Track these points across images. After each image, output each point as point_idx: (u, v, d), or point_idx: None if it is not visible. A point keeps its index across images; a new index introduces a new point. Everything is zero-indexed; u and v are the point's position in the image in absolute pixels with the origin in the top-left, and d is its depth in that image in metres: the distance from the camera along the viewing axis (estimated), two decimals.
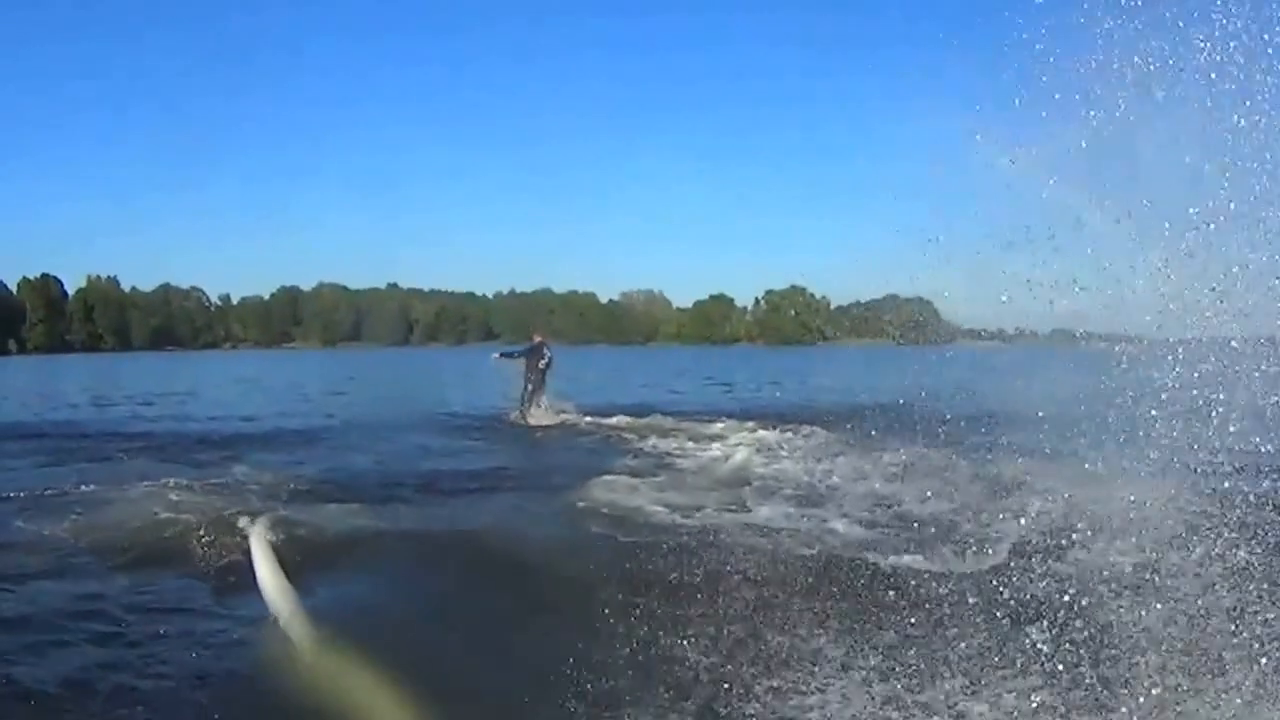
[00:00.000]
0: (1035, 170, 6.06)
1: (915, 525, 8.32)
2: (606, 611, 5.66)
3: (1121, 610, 4.74)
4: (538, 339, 19.60)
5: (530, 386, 19.04)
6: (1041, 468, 11.39)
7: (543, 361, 19.17)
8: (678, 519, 8.67)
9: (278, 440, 15.47)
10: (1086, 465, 5.79)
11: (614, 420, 18.52)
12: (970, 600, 5.53)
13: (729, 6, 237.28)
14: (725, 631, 5.50)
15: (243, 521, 7.73)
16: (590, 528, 8.25)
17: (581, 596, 6.08)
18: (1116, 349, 5.53)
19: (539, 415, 18.87)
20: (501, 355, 20.61)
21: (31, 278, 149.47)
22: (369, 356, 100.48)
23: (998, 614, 5.24)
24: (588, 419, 18.80)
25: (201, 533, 7.60)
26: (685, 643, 5.33)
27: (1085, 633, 4.70)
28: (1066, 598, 4.94)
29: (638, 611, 5.73)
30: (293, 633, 5.55)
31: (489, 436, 16.55)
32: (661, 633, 5.45)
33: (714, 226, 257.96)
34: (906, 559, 6.82)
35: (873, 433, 15.11)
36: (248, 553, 6.67)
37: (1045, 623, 4.90)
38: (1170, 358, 4.82)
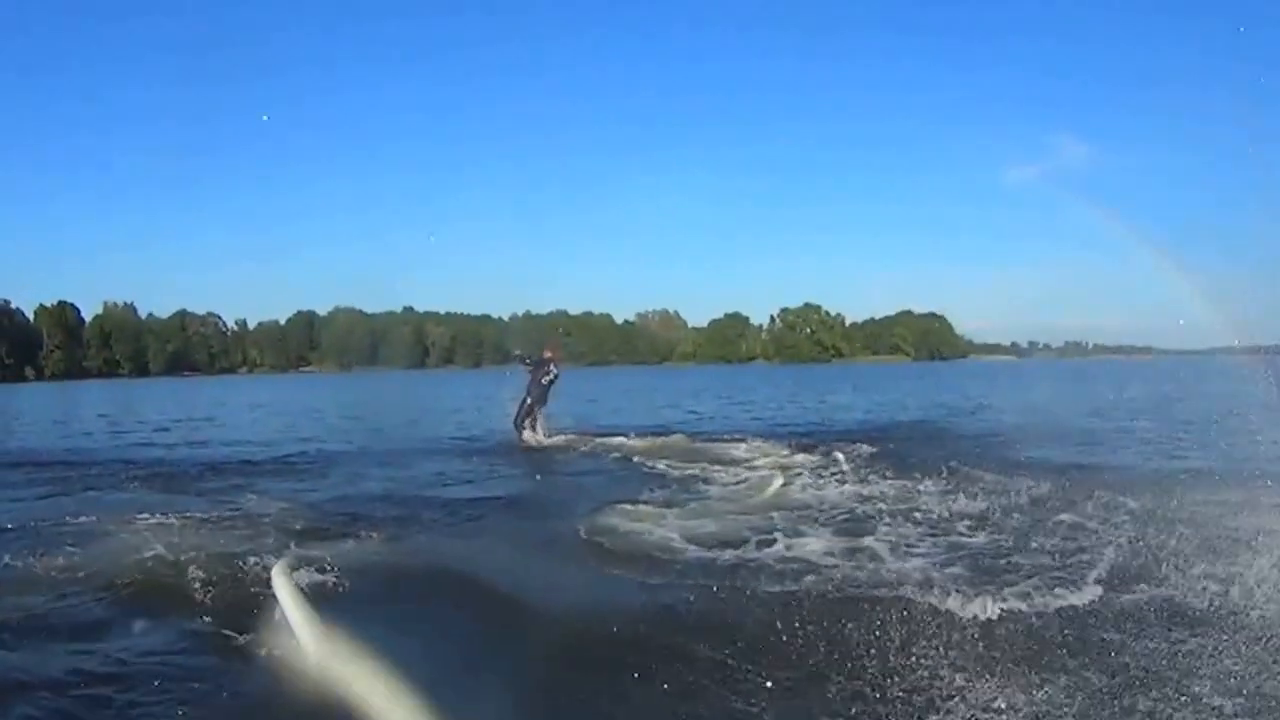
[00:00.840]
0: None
1: (978, 557, 7.73)
2: (641, 673, 5.18)
3: None
4: (548, 354, 19.01)
5: (530, 400, 18.63)
6: (1092, 484, 10.98)
7: (547, 377, 18.69)
8: (712, 555, 8.05)
9: (291, 467, 14.94)
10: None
11: (634, 442, 17.86)
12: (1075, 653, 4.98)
13: (737, 22, 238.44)
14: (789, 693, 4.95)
15: (251, 560, 7.21)
16: (614, 570, 7.68)
17: (612, 653, 5.57)
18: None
19: (531, 436, 18.49)
20: (518, 358, 20.15)
21: (48, 305, 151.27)
22: (385, 379, 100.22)
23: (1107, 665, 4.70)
24: (604, 439, 18.19)
25: (202, 573, 6.99)
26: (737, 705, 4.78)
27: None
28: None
29: (676, 673, 5.20)
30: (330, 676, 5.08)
31: (505, 460, 15.97)
32: (707, 700, 4.93)
33: (728, 245, 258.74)
34: (978, 601, 6.18)
35: (908, 455, 14.79)
36: (261, 594, 6.23)
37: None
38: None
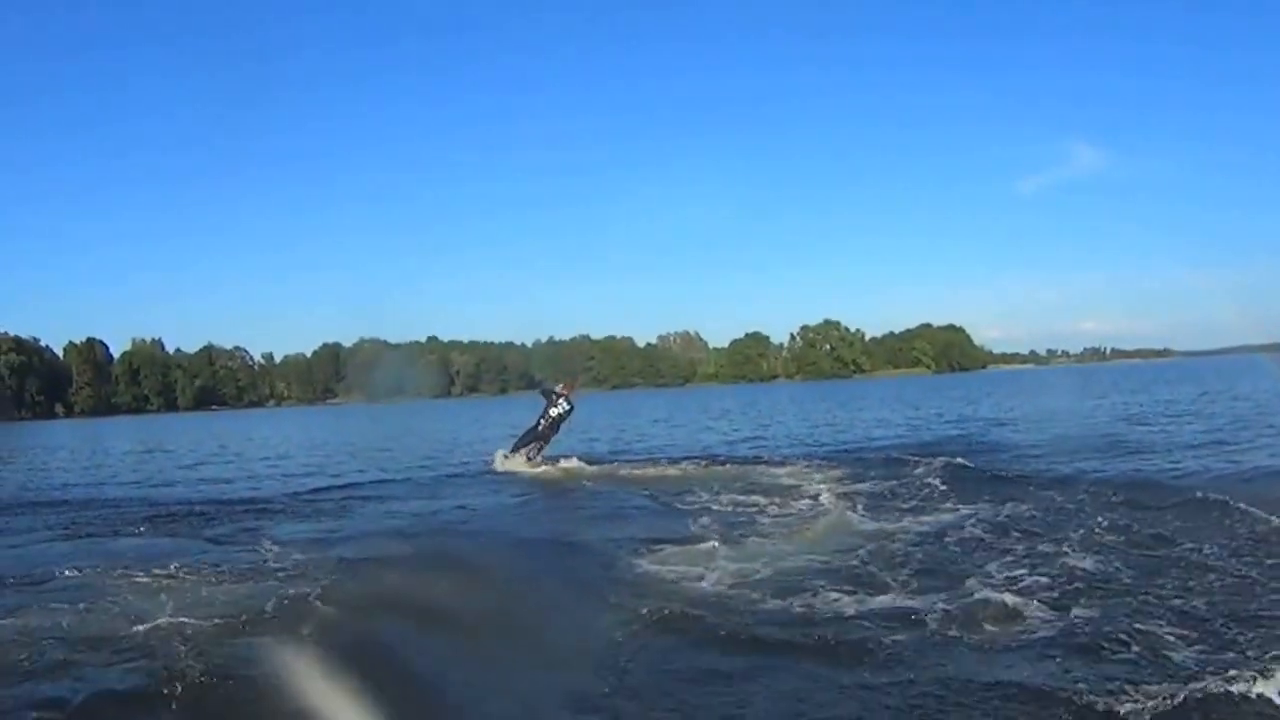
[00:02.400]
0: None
1: (1100, 599, 6.74)
2: None
3: None
4: (560, 388, 18.38)
5: (542, 426, 18.01)
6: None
7: (556, 409, 18.00)
8: (785, 606, 7.04)
9: (312, 506, 14.04)
10: None
11: (671, 470, 16.94)
12: None
13: (743, 30, 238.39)
14: None
15: (264, 646, 6.09)
16: (667, 637, 6.62)
17: None
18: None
19: (506, 461, 18.00)
20: (539, 385, 19.80)
21: (77, 342, 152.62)
22: (411, 410, 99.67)
23: None
24: (639, 470, 17.18)
25: (197, 641, 6.06)
26: None
27: None
28: None
29: None
30: None
31: (534, 491, 15.06)
32: None
33: (747, 264, 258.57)
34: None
35: (970, 474, 13.76)
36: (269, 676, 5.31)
37: None
38: None
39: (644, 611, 7.07)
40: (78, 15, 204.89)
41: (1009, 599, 6.84)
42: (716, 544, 9.44)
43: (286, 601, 6.95)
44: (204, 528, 12.05)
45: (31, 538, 11.52)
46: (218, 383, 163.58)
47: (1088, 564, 7.92)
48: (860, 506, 11.36)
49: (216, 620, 6.47)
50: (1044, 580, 7.48)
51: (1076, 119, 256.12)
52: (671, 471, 16.73)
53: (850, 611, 6.85)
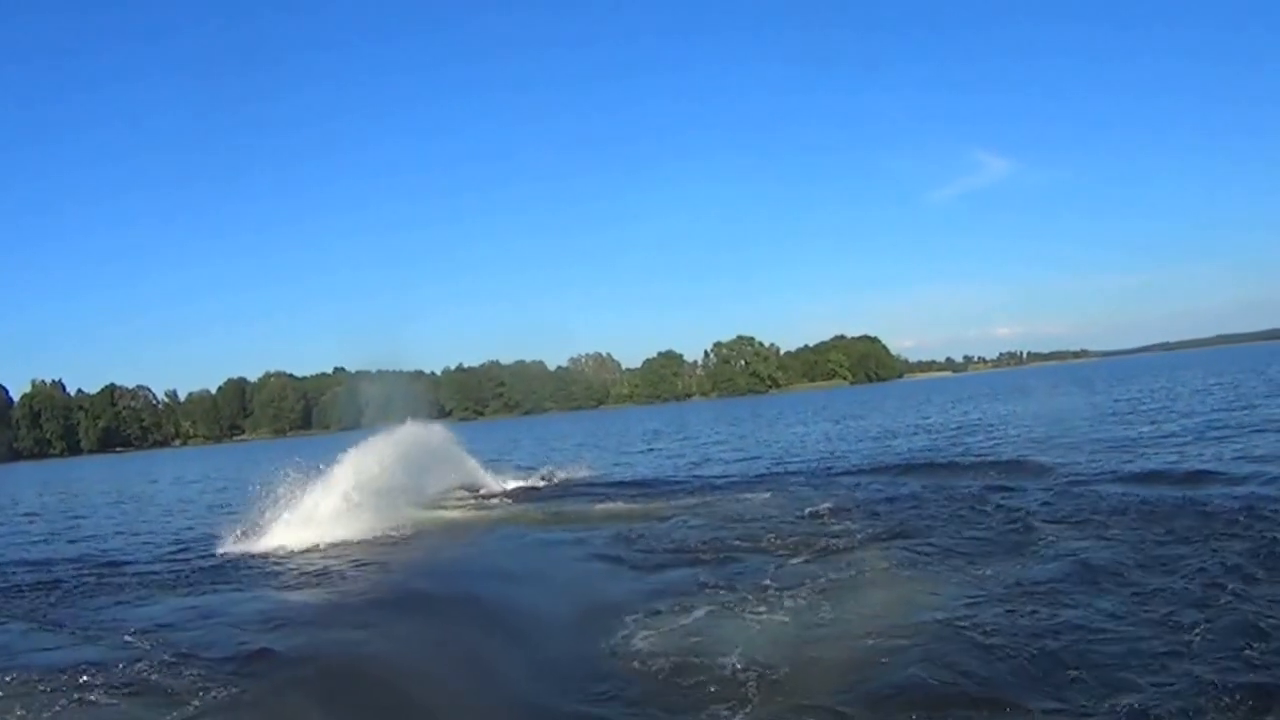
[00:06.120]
0: None
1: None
2: None
3: None
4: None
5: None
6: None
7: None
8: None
9: (226, 568, 11.90)
10: None
11: (624, 505, 14.86)
12: None
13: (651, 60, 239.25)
14: None
15: None
16: None
17: None
18: None
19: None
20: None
21: None
22: (320, 443, 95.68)
23: None
24: (586, 507, 15.23)
25: None
26: None
27: None
28: None
29: None
30: None
31: (468, 541, 13.19)
32: None
33: (658, 284, 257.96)
34: None
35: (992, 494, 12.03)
36: None
37: None
38: None
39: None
40: None
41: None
42: (722, 609, 7.57)
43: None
44: (87, 602, 9.96)
45: None
46: (121, 423, 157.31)
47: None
48: (893, 551, 9.41)
49: None
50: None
51: (984, 130, 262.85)
52: (627, 507, 14.76)
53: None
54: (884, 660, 5.85)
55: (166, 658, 7.08)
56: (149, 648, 7.49)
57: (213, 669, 6.74)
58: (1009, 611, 6.69)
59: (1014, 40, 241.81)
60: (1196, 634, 5.86)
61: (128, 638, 7.92)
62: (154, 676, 6.64)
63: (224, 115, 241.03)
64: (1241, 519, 9.12)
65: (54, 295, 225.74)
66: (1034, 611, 6.64)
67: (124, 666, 6.90)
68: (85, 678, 6.65)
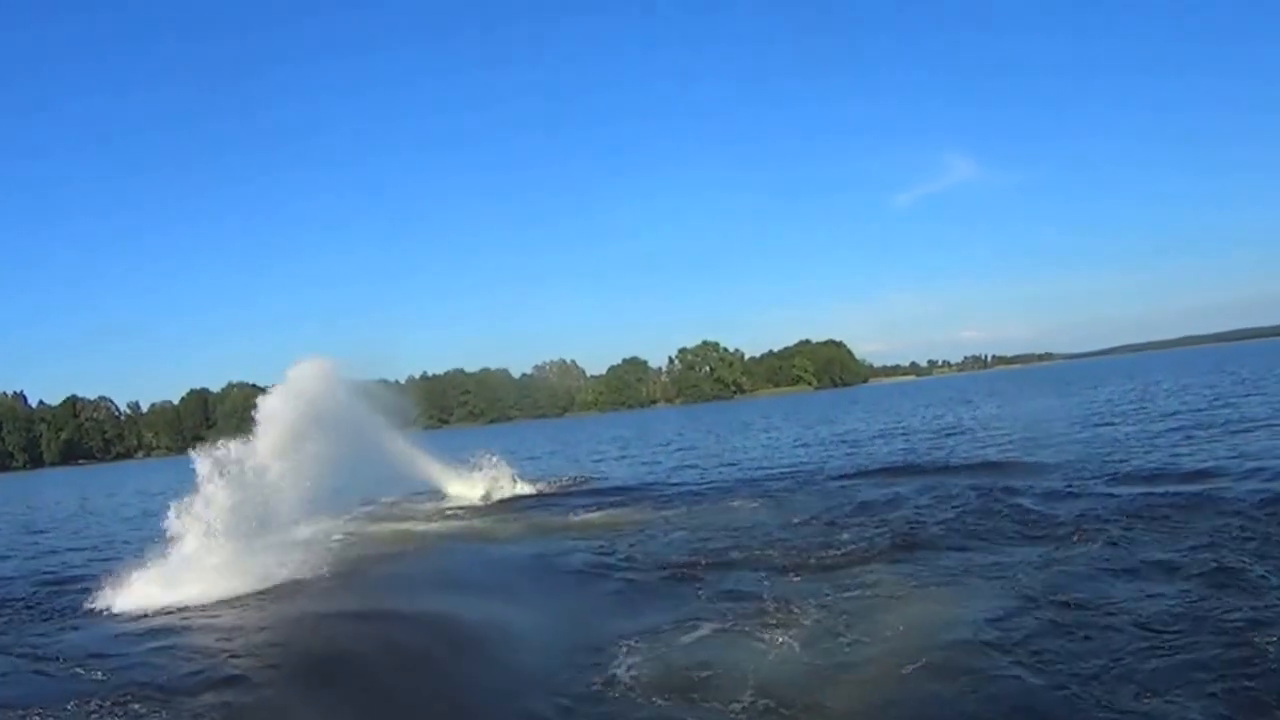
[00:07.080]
0: None
1: None
2: None
3: None
4: None
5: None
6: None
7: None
8: None
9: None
10: None
11: (605, 515, 14.14)
12: None
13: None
14: None
15: None
16: None
17: None
18: None
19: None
20: None
21: None
22: None
23: None
24: (566, 516, 14.40)
25: None
26: None
27: None
28: None
29: None
30: None
31: (433, 557, 12.31)
32: None
33: (622, 290, 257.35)
34: None
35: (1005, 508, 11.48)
36: None
37: None
38: None
39: None
40: None
41: None
42: (735, 635, 6.92)
43: None
44: (31, 626, 9.01)
45: None
46: (83, 435, 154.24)
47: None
48: (909, 571, 8.69)
49: None
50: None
51: (950, 131, 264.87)
52: (610, 516, 14.06)
53: None
54: (917, 694, 5.28)
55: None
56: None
57: None
58: (1052, 623, 6.15)
59: (981, 43, 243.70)
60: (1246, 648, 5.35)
61: None
62: None
63: (190, 127, 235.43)
64: (1262, 516, 8.71)
65: (15, 307, 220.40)
66: (1070, 626, 6.11)
67: None
68: None
